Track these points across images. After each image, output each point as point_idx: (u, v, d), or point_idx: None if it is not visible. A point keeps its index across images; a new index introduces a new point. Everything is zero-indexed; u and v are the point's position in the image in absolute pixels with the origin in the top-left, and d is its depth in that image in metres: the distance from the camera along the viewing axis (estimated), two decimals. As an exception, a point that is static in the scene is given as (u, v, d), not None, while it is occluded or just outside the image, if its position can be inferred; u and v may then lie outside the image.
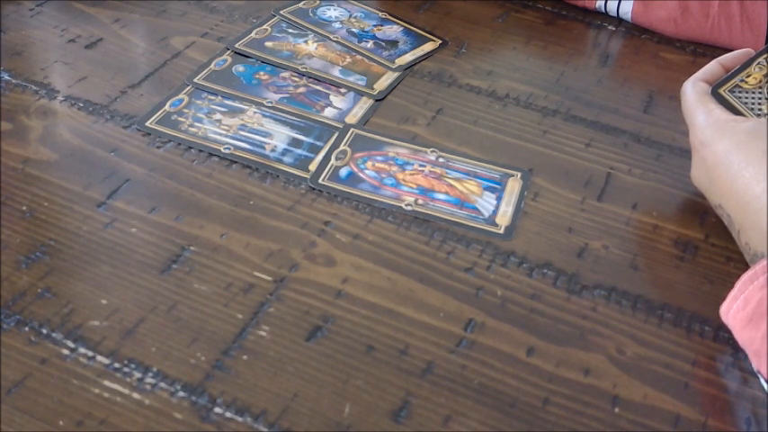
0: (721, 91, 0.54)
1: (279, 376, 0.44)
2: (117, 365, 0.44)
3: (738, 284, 0.44)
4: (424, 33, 0.73)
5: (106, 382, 0.44)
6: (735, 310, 0.44)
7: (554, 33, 0.74)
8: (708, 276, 0.52)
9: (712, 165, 0.51)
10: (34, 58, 0.67)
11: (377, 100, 0.65)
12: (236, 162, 0.58)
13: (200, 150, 0.59)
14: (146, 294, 0.48)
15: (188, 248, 0.51)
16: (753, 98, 0.54)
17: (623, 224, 0.55)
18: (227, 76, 0.66)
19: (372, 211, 0.55)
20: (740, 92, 0.54)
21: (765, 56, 0.54)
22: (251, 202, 0.55)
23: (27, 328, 0.46)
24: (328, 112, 0.63)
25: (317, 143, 0.60)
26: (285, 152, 0.59)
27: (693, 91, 0.54)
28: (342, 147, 0.59)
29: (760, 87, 0.54)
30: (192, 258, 0.51)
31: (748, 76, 0.54)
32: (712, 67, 0.56)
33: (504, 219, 0.55)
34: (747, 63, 0.55)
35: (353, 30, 0.72)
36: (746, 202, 0.48)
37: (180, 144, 0.59)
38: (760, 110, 0.53)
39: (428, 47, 0.71)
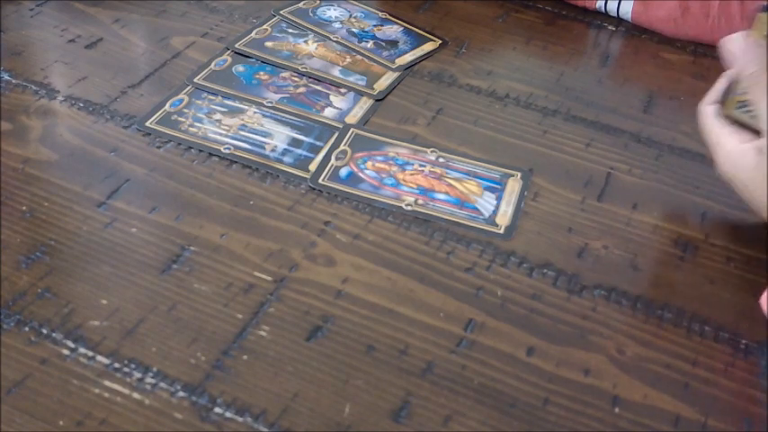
0: (730, 113, 0.52)
1: (279, 376, 0.44)
2: (117, 365, 0.44)
3: None
4: (424, 33, 0.73)
5: (106, 382, 0.44)
6: None
7: (554, 33, 0.74)
8: (708, 276, 0.52)
9: (742, 189, 0.51)
10: (34, 58, 0.67)
11: (377, 100, 0.65)
12: (236, 162, 0.58)
13: (200, 150, 0.59)
14: (146, 294, 0.48)
15: (188, 248, 0.51)
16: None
17: (623, 224, 0.55)
18: (227, 76, 0.66)
19: (372, 211, 0.55)
20: (745, 105, 0.52)
21: None
22: (251, 202, 0.55)
23: (27, 328, 0.46)
24: (328, 112, 0.63)
25: (317, 143, 0.60)
26: (285, 152, 0.59)
27: (705, 120, 0.53)
28: (342, 147, 0.59)
29: None
30: (192, 258, 0.51)
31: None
32: (722, 85, 0.53)
33: (504, 219, 0.55)
34: None
35: (353, 30, 0.72)
36: None
37: (180, 144, 0.59)
38: None
39: (428, 47, 0.71)
